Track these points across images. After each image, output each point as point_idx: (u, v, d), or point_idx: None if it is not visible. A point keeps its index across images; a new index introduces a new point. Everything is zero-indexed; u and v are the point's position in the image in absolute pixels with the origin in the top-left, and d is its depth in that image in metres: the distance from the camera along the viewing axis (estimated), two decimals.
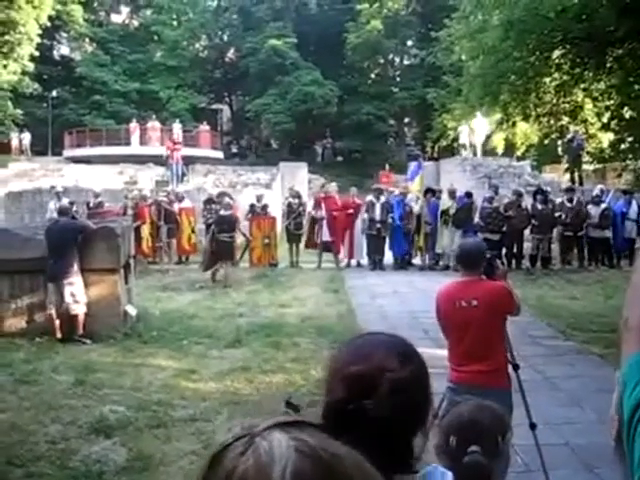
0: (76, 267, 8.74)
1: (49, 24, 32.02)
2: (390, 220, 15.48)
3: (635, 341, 1.07)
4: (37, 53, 31.25)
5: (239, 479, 0.77)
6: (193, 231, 16.73)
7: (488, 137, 23.77)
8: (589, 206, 15.83)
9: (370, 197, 16.05)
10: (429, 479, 1.34)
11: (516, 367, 4.34)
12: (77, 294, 8.71)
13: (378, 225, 15.51)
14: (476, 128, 24.04)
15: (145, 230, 15.67)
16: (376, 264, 15.77)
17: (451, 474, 1.39)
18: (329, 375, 1.36)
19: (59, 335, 8.66)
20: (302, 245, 16.43)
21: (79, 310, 8.72)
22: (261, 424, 0.83)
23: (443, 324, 4.35)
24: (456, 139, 26.21)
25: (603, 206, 15.84)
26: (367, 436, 1.23)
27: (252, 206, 16.57)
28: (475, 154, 24.84)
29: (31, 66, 30.84)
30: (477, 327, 4.13)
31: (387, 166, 28.06)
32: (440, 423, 2.28)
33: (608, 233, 15.73)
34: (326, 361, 1.45)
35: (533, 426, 4.33)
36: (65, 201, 15.19)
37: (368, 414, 1.26)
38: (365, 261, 16.27)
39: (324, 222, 15.97)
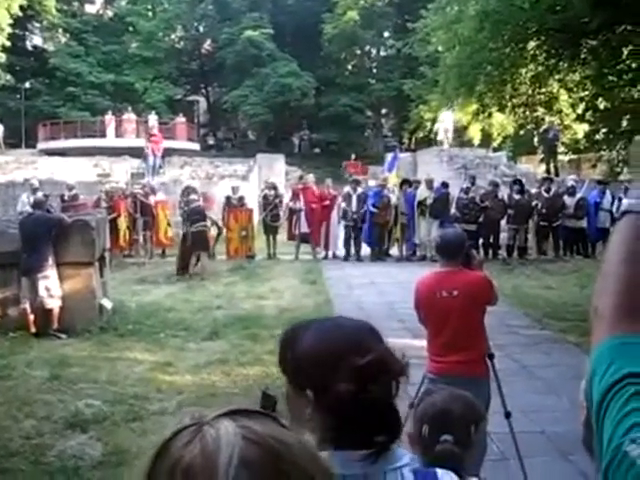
0: (51, 261, 8.64)
1: (21, 14, 31.48)
2: (368, 211, 15.53)
3: (604, 329, 1.07)
4: (9, 43, 30.73)
5: (185, 468, 0.76)
6: (169, 224, 16.60)
7: (465, 128, 23.88)
8: (564, 196, 15.99)
9: (347, 188, 16.08)
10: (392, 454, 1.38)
11: (491, 356, 4.36)
12: (52, 288, 8.60)
13: (355, 216, 15.54)
14: (445, 120, 24.55)
15: (123, 223, 15.53)
16: (349, 255, 15.80)
17: (410, 456, 1.41)
18: (324, 365, 1.33)
19: (33, 330, 8.56)
20: (282, 237, 16.43)
21: (54, 304, 8.63)
22: (210, 413, 0.82)
23: (423, 314, 4.33)
24: (435, 133, 26.40)
25: (578, 196, 16.01)
26: (370, 418, 1.31)
27: (228, 198, 16.49)
28: (449, 146, 25.10)
29: (3, 57, 30.36)
30: (457, 317, 4.13)
31: (353, 156, 28.05)
32: (414, 412, 2.28)
33: (583, 223, 15.90)
34: (295, 349, 1.41)
35: (508, 415, 4.35)
36: (40, 194, 14.98)
37: (374, 399, 1.31)
38: (341, 252, 16.29)
39: (302, 213, 15.97)
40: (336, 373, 1.30)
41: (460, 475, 2.00)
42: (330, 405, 1.30)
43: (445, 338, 4.17)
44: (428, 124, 27.08)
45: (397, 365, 1.35)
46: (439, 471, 1.50)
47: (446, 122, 24.94)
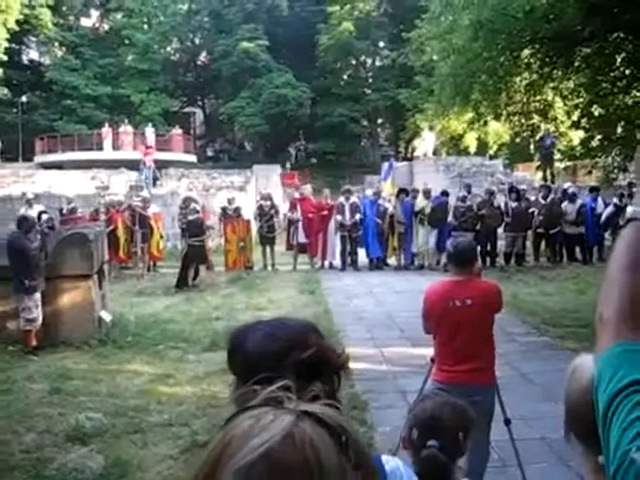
0: (27, 284, 8.43)
1: (17, 28, 31.62)
2: (359, 219, 15.57)
3: (609, 336, 1.07)
4: (5, 58, 30.88)
5: (225, 443, 0.78)
6: (161, 237, 16.61)
7: (461, 136, 24.05)
8: (565, 203, 15.98)
9: (340, 199, 16.13)
10: None
11: None
12: (25, 310, 8.47)
13: (348, 226, 15.58)
14: (426, 139, 26.21)
15: (122, 236, 15.53)
16: (345, 265, 15.81)
17: None
18: (271, 361, 1.34)
19: (33, 343, 8.54)
20: (281, 247, 16.46)
21: (26, 326, 8.51)
22: (300, 405, 0.82)
23: (434, 323, 4.30)
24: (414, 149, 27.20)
25: (579, 202, 16.00)
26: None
27: (224, 209, 16.50)
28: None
29: None
30: (470, 326, 4.14)
31: (288, 165, 28.21)
32: (408, 416, 2.34)
33: (583, 229, 15.86)
34: (244, 349, 1.41)
35: (508, 422, 4.37)
36: (36, 208, 14.99)
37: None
38: (336, 262, 16.28)
39: (299, 224, 15.99)
40: (281, 368, 1.32)
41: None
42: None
43: (456, 347, 4.17)
44: (424, 133, 27.49)
45: (338, 359, 1.36)
46: (384, 457, 1.54)
47: (427, 141, 26.45)
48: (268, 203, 16.54)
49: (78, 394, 6.77)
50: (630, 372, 1.01)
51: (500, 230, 15.68)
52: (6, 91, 33.30)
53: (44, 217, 12.02)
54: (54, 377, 7.34)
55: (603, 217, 15.73)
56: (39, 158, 32.45)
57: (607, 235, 15.72)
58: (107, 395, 6.75)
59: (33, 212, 12.71)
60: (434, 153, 27.79)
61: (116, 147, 31.74)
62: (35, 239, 8.71)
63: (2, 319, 8.84)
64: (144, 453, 5.27)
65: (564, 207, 15.92)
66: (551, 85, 12.58)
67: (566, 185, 17.46)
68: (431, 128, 25.90)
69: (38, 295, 8.58)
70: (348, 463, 0.78)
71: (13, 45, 34.67)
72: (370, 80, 43.52)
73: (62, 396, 6.70)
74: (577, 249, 16.13)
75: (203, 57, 45.19)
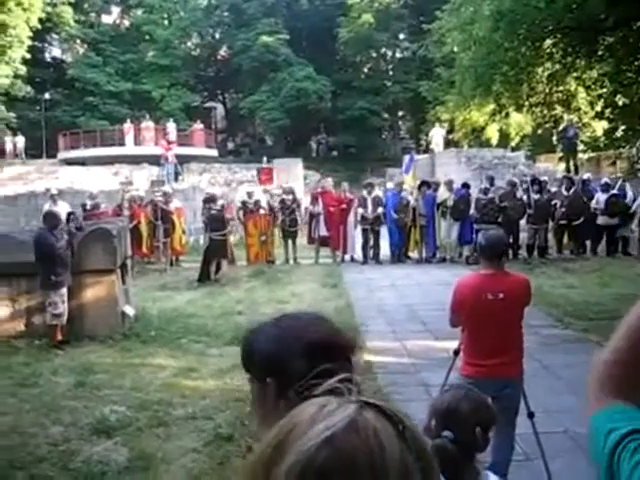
0: (53, 278, 8.54)
1: (40, 26, 31.92)
2: (381, 213, 15.52)
3: (593, 403, 1.17)
4: (29, 56, 31.19)
5: (289, 429, 0.79)
6: (183, 231, 16.69)
7: (482, 128, 23.91)
8: (598, 193, 15.70)
9: (363, 192, 16.10)
10: None
11: None
12: (50, 305, 8.58)
13: (370, 219, 15.54)
14: (435, 135, 26.98)
15: (144, 231, 15.66)
16: (367, 258, 15.79)
17: None
18: (310, 347, 1.34)
19: (59, 337, 8.65)
20: (302, 240, 16.46)
21: (52, 321, 8.62)
22: (361, 396, 0.84)
23: (464, 316, 4.27)
24: (451, 130, 26.82)
25: (611, 192, 15.70)
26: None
27: (244, 203, 16.52)
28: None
29: (23, 69, 30.82)
30: (501, 320, 4.13)
31: (265, 159, 27.94)
32: (430, 405, 2.39)
33: (615, 220, 15.50)
34: (258, 344, 1.39)
35: (531, 415, 4.35)
36: (60, 204, 15.13)
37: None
38: (358, 255, 16.25)
39: (321, 217, 15.99)
40: (293, 353, 1.31)
41: (452, 472, 2.08)
42: (291, 383, 1.29)
43: (487, 341, 4.15)
44: (445, 125, 27.38)
45: (349, 341, 1.36)
46: None
47: (436, 137, 26.56)
48: (290, 197, 16.55)
49: (103, 388, 6.84)
50: (623, 425, 1.08)
51: (522, 222, 15.54)
52: (29, 88, 33.60)
53: (72, 218, 12.13)
54: (79, 371, 7.42)
55: (633, 208, 15.44)
56: (62, 154, 32.77)
57: (634, 227, 15.45)
58: (131, 389, 6.81)
59: (57, 208, 12.80)
60: (455, 145, 27.64)
61: (138, 143, 31.94)
62: (62, 237, 8.80)
63: (28, 314, 8.97)
64: (168, 446, 5.32)
65: (596, 197, 15.64)
66: (574, 75, 12.44)
67: (585, 176, 17.21)
68: (440, 122, 26.04)
69: (64, 290, 8.69)
70: (410, 455, 0.78)
71: (36, 43, 35.00)
72: (390, 72, 43.38)
73: (87, 389, 6.78)
74: (604, 241, 15.81)
75: (223, 52, 45.31)
